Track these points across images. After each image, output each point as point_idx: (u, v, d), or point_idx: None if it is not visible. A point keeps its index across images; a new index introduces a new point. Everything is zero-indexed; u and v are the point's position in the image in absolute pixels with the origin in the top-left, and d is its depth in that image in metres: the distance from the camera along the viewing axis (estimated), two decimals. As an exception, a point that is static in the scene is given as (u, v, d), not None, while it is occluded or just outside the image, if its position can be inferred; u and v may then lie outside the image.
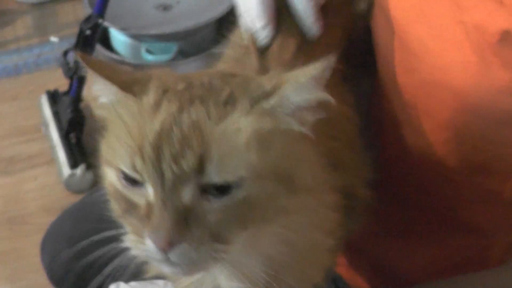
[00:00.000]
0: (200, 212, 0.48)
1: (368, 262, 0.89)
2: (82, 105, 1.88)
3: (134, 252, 0.52)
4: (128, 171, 0.49)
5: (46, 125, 1.93)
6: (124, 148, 0.49)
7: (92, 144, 1.91)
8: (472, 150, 0.70)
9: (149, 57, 1.88)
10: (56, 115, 1.92)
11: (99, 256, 0.86)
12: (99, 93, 0.55)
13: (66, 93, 1.89)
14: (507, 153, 0.69)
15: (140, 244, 0.50)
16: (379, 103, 0.80)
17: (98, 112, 0.57)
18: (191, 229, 0.48)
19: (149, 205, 0.49)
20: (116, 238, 0.53)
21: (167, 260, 0.49)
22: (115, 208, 0.54)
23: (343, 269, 0.88)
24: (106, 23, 1.77)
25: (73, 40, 1.78)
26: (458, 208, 0.77)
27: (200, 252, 0.48)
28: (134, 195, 0.51)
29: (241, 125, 0.49)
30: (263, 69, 0.66)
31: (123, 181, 0.51)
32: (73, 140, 1.84)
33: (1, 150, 1.97)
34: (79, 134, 1.86)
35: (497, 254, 0.80)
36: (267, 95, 0.51)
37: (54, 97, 1.98)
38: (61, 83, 1.95)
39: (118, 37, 1.93)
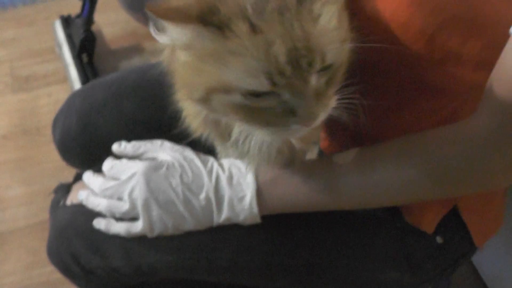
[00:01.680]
0: (320, 87, 0.60)
1: (346, 134, 0.93)
2: (93, 28, 1.98)
3: (277, 138, 0.69)
4: (261, 88, 0.58)
5: (59, 47, 2.04)
6: (253, 73, 0.57)
7: (102, 64, 2.02)
8: (431, 11, 0.75)
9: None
10: (69, 37, 2.03)
11: (106, 128, 0.95)
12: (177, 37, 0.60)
13: (79, 16, 1.98)
14: (467, 10, 0.74)
15: (283, 131, 0.62)
16: None
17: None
18: (323, 101, 0.60)
19: (286, 104, 0.59)
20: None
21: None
22: (236, 119, 0.64)
23: (325, 143, 0.96)
24: None
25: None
26: (422, 71, 0.82)
27: (326, 112, 0.62)
28: (264, 102, 0.60)
29: (327, 13, 0.58)
30: None
31: (249, 98, 0.59)
32: (85, 60, 1.94)
33: (18, 69, 2.09)
34: (91, 54, 1.96)
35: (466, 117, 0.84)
36: None
37: (67, 21, 2.09)
38: (74, 11, 2.06)
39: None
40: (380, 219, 0.88)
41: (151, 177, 0.79)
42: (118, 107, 0.98)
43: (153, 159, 0.82)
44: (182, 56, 0.61)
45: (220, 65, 0.57)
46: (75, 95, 1.04)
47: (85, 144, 0.98)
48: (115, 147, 0.86)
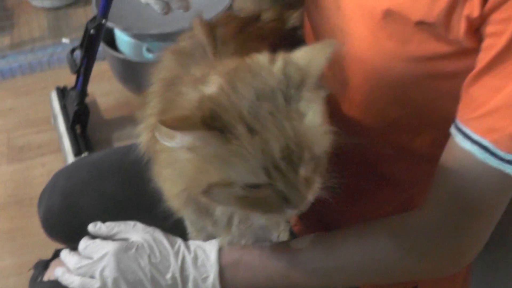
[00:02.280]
0: (309, 175, 0.65)
1: (316, 219, 1.00)
2: (87, 100, 2.05)
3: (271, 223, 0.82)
4: (259, 181, 0.64)
5: (55, 118, 2.10)
6: (252, 170, 0.63)
7: (96, 133, 2.08)
8: (381, 110, 0.83)
9: (149, 55, 2.04)
10: (64, 108, 2.10)
11: (87, 207, 1.01)
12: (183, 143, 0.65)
13: (73, 88, 2.05)
14: (411, 112, 0.82)
15: (278, 215, 0.68)
16: None
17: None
18: (311, 186, 0.66)
19: (280, 193, 0.65)
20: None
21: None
22: (235, 207, 0.70)
23: (296, 226, 1.02)
24: (109, 23, 1.92)
25: (81, 41, 1.95)
26: (378, 163, 0.89)
27: (314, 195, 0.68)
28: (261, 193, 0.65)
29: (312, 111, 0.65)
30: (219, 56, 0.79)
31: (248, 189, 0.65)
32: (78, 131, 2.01)
33: (14, 139, 2.16)
34: (84, 126, 2.02)
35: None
36: (305, 76, 0.65)
37: (63, 92, 2.17)
38: (71, 81, 2.11)
39: (122, 37, 2.09)
40: None
41: (121, 257, 0.82)
42: (100, 187, 1.04)
43: (125, 239, 0.86)
44: (186, 155, 0.66)
45: (222, 164, 0.63)
46: (59, 174, 1.09)
47: (68, 223, 1.03)
48: (91, 227, 0.90)
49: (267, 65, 0.67)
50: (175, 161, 0.70)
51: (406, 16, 0.73)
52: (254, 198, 0.66)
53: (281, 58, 0.67)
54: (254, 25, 0.90)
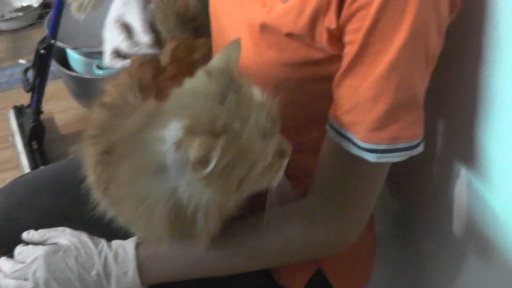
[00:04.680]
0: None
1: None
2: (45, 117, 2.15)
3: None
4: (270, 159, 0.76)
5: (13, 135, 2.19)
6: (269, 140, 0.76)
7: (54, 149, 2.17)
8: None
9: (99, 72, 2.14)
10: (21, 126, 2.19)
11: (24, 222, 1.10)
12: None
13: (29, 106, 2.14)
14: (298, 111, 0.92)
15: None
16: None
17: None
18: None
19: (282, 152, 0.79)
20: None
21: None
22: None
23: None
24: (59, 43, 2.02)
25: (36, 61, 2.04)
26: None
27: None
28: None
29: (255, 89, 0.78)
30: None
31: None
32: (35, 147, 2.10)
33: (-25, 158, 2.24)
34: (40, 142, 2.11)
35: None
36: (230, 72, 0.77)
37: (20, 111, 2.25)
38: (29, 100, 2.21)
39: (73, 56, 2.19)
40: (257, 285, 1.02)
41: (50, 259, 0.92)
42: (35, 202, 1.13)
43: (55, 244, 0.96)
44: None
45: (249, 154, 0.73)
46: None
47: (6, 237, 1.11)
48: (24, 235, 0.99)
49: (202, 82, 0.77)
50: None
51: (278, 29, 0.84)
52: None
53: (202, 72, 0.78)
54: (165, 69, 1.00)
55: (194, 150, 0.68)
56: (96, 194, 0.89)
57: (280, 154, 0.78)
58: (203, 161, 0.69)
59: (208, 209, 0.77)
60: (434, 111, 1.00)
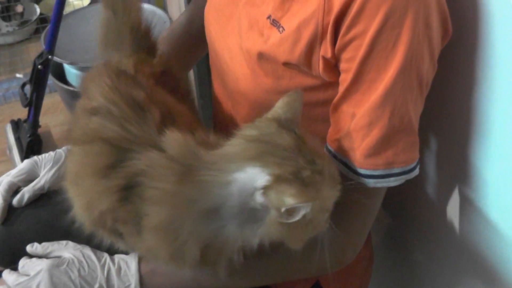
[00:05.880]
0: None
1: None
2: (41, 130, 2.17)
3: None
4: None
5: (10, 149, 2.21)
6: (334, 192, 0.78)
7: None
8: None
9: (96, 86, 2.16)
10: (18, 140, 2.20)
11: (25, 233, 1.13)
12: None
13: (26, 120, 2.17)
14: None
15: None
16: (215, 108, 1.10)
17: None
18: None
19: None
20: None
21: None
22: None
23: None
24: (57, 59, 2.04)
25: (33, 75, 2.06)
26: None
27: None
28: None
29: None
30: None
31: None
32: (32, 161, 2.11)
33: (-28, 172, 2.25)
34: (37, 156, 2.12)
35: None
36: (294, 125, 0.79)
37: (17, 125, 2.27)
38: (26, 114, 2.21)
39: (70, 70, 2.22)
40: None
41: (54, 272, 0.95)
42: (35, 215, 1.16)
43: (58, 257, 0.99)
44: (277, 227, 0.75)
45: (321, 208, 0.76)
46: None
47: (8, 249, 1.13)
48: (28, 248, 1.02)
49: (274, 131, 0.78)
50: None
51: (275, 58, 0.88)
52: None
53: (270, 120, 0.80)
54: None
55: (291, 197, 0.70)
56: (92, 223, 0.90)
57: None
58: (296, 210, 0.71)
59: (249, 248, 0.79)
60: (427, 131, 1.03)
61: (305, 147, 0.76)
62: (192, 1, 1.28)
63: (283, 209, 0.71)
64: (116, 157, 0.82)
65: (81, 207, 0.89)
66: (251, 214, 0.75)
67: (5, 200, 1.10)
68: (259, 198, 0.72)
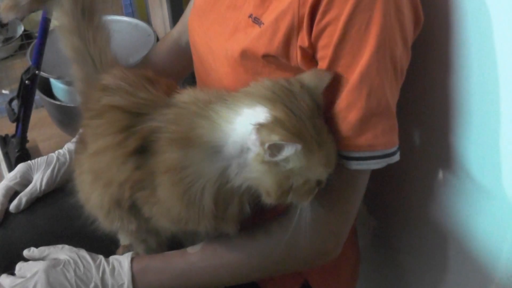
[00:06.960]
0: None
1: None
2: (28, 145, 2.18)
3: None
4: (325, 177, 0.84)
5: (-2, 165, 2.23)
6: (325, 170, 0.83)
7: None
8: None
9: (83, 100, 2.18)
10: (6, 155, 2.22)
11: (21, 239, 1.15)
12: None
13: (14, 135, 2.18)
14: None
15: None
16: None
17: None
18: None
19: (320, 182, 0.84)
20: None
21: None
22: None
23: None
24: (42, 73, 2.06)
25: (19, 91, 2.08)
26: None
27: None
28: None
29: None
30: None
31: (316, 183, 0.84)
32: (21, 175, 2.13)
33: (-40, 188, 2.26)
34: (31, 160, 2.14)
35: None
36: (317, 98, 0.86)
37: (5, 140, 2.29)
38: (14, 129, 2.24)
39: (57, 85, 2.24)
40: None
41: (50, 273, 0.98)
42: (31, 221, 1.19)
43: (54, 259, 1.02)
44: (263, 167, 0.80)
45: (306, 171, 0.80)
46: None
47: (5, 255, 1.16)
48: (25, 252, 1.05)
49: (296, 89, 0.83)
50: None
51: (255, 52, 0.92)
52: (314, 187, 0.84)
53: (295, 80, 0.85)
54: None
55: (278, 135, 0.74)
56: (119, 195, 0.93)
57: (319, 182, 0.84)
58: (279, 148, 0.76)
59: (247, 193, 0.83)
60: (408, 127, 1.07)
61: (319, 119, 0.81)
62: (182, 16, 1.33)
63: (266, 145, 0.75)
64: (130, 121, 0.88)
65: (102, 186, 0.93)
66: (248, 155, 0.79)
67: (2, 204, 1.13)
68: (252, 134, 0.76)
